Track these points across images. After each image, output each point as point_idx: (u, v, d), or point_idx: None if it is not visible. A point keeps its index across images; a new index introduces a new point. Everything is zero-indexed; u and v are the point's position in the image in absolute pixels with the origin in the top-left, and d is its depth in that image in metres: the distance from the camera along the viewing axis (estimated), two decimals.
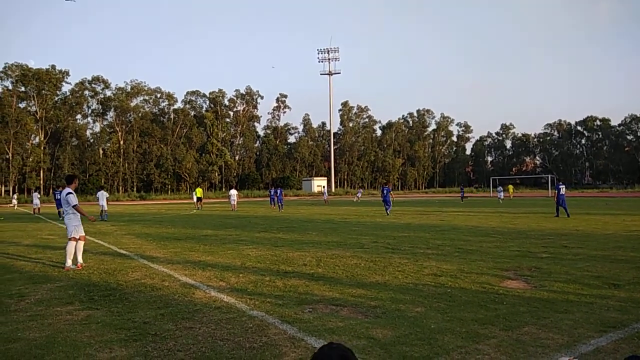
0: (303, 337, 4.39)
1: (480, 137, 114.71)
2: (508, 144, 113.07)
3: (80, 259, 8.72)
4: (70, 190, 8.92)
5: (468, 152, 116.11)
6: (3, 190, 72.09)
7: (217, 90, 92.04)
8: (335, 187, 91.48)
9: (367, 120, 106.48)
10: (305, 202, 46.33)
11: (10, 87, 72.78)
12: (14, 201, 43.73)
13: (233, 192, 33.79)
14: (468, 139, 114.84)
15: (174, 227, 17.80)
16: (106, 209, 23.23)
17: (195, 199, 37.00)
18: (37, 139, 76.07)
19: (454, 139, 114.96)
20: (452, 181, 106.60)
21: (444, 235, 13.15)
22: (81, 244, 8.81)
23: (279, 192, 32.22)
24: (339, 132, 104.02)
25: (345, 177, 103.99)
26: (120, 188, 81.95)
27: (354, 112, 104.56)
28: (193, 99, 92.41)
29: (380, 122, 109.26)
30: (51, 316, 5.27)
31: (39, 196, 32.62)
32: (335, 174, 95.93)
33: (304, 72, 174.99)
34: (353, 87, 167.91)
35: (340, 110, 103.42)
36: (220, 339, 4.39)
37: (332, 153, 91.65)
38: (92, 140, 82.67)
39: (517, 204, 35.93)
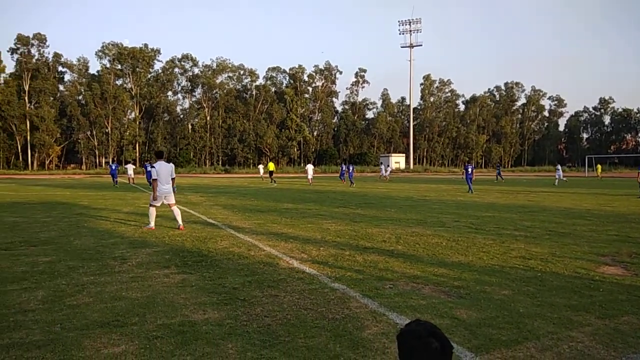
0: (384, 312, 4.42)
1: (575, 112, 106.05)
2: (607, 119, 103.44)
3: (180, 222, 10.15)
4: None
5: (561, 128, 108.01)
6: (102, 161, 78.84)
7: (296, 66, 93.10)
8: (414, 164, 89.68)
9: (449, 94, 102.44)
10: (383, 179, 45.95)
11: (108, 65, 78.88)
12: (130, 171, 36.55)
13: (310, 166, 34.82)
14: (561, 114, 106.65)
15: (256, 200, 18.51)
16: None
17: (265, 173, 38.60)
18: (132, 114, 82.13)
19: (546, 114, 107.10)
20: (542, 159, 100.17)
21: (533, 217, 12.46)
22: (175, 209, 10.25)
23: (350, 168, 32.93)
24: (419, 107, 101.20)
25: (425, 154, 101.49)
26: (207, 161, 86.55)
27: (435, 86, 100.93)
28: (274, 75, 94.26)
29: (463, 96, 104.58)
30: (150, 278, 5.75)
31: (133, 167, 35.75)
32: (414, 150, 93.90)
33: (384, 45, 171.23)
34: (435, 60, 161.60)
35: (421, 84, 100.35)
36: (304, 308, 4.55)
37: (412, 129, 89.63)
38: (181, 116, 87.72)
39: (611, 185, 33.00)
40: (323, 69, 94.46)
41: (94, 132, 77.76)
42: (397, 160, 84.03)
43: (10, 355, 3.42)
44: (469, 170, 23.27)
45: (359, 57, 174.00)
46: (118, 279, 5.70)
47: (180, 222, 10.09)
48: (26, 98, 74.40)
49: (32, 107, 74.66)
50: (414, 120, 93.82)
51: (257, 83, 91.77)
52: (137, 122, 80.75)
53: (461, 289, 5.29)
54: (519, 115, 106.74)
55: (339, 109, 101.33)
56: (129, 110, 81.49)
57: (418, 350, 1.44)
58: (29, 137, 73.89)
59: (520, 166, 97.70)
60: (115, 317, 4.31)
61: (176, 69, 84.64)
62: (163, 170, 10.11)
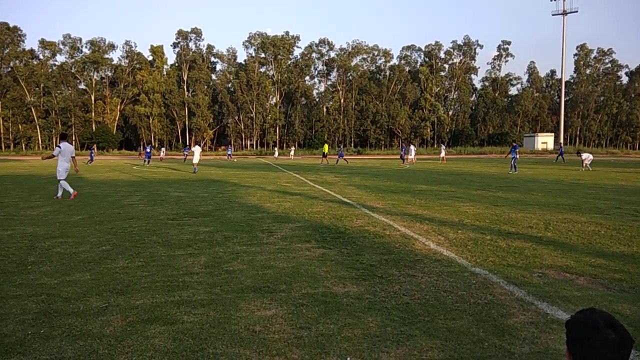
0: (533, 301, 4.14)
1: None
2: None
3: (71, 190, 12.18)
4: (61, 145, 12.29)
5: None
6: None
7: (433, 43, 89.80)
8: (565, 144, 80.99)
9: (609, 65, 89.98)
10: (527, 161, 42.49)
11: (253, 54, 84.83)
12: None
13: (412, 148, 36.30)
14: None
15: (389, 181, 18.50)
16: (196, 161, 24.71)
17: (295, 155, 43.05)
18: (274, 100, 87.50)
19: None
20: None
21: None
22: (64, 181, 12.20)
23: (403, 148, 35.03)
24: (572, 80, 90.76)
25: (578, 132, 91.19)
26: (340, 143, 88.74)
27: (592, 56, 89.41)
28: (408, 54, 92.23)
29: (627, 67, 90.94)
30: (294, 251, 6.15)
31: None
32: (565, 129, 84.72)
33: (531, 14, 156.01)
34: (592, 27, 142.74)
35: (575, 55, 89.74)
36: (443, 290, 4.46)
37: (563, 105, 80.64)
38: (317, 100, 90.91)
39: None
40: (462, 44, 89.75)
41: (241, 117, 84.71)
42: (545, 141, 76.81)
43: (181, 311, 3.96)
44: (513, 151, 23.69)
45: (502, 29, 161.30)
46: (266, 250, 6.21)
47: (60, 193, 12.18)
48: (185, 87, 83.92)
49: (189, 95, 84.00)
50: (565, 96, 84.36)
51: (391, 63, 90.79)
52: (278, 107, 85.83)
53: (623, 282, 4.72)
54: None
55: (478, 85, 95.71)
56: (271, 96, 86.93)
57: (593, 341, 1.32)
58: (187, 122, 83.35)
59: None
60: (265, 283, 4.72)
61: (313, 54, 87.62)
62: (66, 150, 12.25)
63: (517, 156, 23.82)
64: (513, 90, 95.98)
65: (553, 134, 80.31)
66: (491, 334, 3.44)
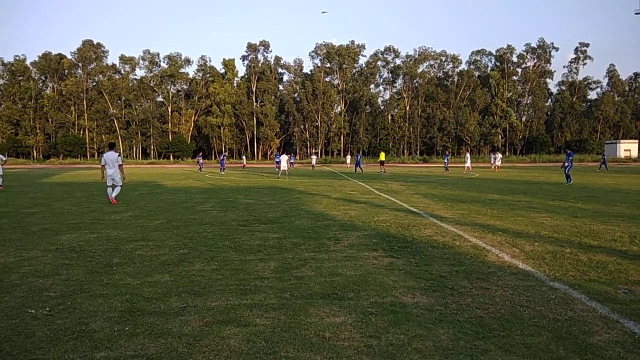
0: (618, 319, 3.85)
1: None
2: None
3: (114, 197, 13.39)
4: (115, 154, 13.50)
5: None
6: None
7: (505, 47, 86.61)
8: None
9: None
10: (609, 169, 39.63)
11: (319, 64, 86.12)
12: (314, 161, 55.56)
13: (468, 156, 38.20)
14: None
15: (457, 189, 17.98)
16: (286, 168, 28.71)
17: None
18: (338, 108, 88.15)
19: None
20: None
21: None
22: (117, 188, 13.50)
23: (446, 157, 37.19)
24: None
25: None
26: (405, 151, 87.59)
27: None
28: (478, 58, 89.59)
29: None
30: (361, 259, 6.14)
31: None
32: None
33: (611, 14, 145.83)
34: None
35: None
36: (520, 305, 4.27)
37: None
38: (382, 107, 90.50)
39: None
40: (536, 47, 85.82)
41: (306, 126, 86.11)
42: (628, 148, 71.21)
43: (253, 314, 4.09)
44: (567, 159, 21.50)
45: (579, 31, 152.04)
46: (333, 257, 6.26)
47: (113, 196, 13.28)
48: (253, 98, 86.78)
49: (258, 105, 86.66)
50: None
51: (460, 69, 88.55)
52: (342, 115, 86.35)
53: None
54: None
55: (554, 90, 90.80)
56: (336, 105, 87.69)
57: None
58: (255, 132, 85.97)
59: None
60: (333, 290, 4.75)
61: (379, 62, 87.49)
62: (109, 158, 13.24)
63: (571, 165, 21.59)
64: (592, 95, 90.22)
65: (637, 141, 74.24)
66: (572, 352, 3.24)
